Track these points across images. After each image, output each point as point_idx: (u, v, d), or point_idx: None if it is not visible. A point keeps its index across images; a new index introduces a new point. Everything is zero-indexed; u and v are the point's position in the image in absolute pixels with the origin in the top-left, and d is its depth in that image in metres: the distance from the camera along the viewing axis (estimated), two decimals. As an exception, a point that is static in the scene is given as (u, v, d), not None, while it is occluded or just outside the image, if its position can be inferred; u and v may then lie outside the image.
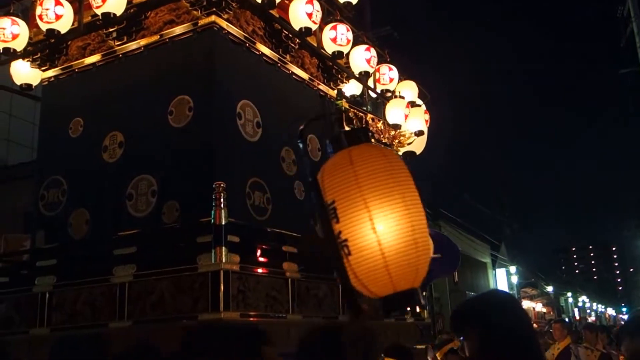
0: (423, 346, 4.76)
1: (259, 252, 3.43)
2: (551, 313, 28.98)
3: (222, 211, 3.08)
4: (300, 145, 1.47)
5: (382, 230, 1.36)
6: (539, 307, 26.99)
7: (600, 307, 47.78)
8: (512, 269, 23.66)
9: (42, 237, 4.02)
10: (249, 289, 3.14)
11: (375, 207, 1.37)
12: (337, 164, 1.45)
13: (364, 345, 1.64)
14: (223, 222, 3.07)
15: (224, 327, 2.90)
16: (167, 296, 3.13)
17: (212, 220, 3.07)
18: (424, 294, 5.58)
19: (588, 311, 41.68)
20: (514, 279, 23.94)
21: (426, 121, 5.56)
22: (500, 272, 24.24)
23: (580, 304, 40.64)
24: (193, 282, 3.07)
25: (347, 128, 5.09)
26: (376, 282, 1.38)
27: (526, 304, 26.00)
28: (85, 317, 3.35)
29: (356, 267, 1.38)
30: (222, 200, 3.09)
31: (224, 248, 3.03)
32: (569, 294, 38.39)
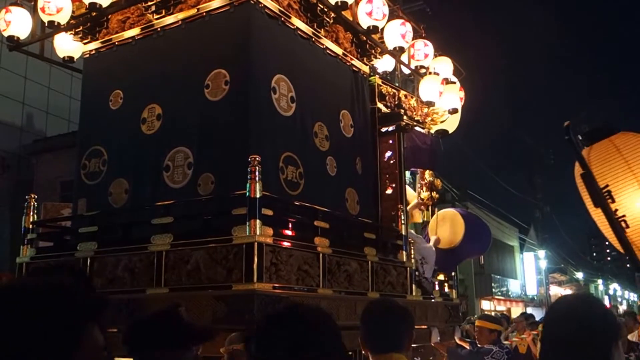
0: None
1: (291, 226, 3.48)
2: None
3: (257, 184, 3.13)
4: (572, 139, 1.76)
5: None
6: (567, 293, 26.56)
7: (633, 296, 46.54)
8: (541, 253, 23.15)
9: (83, 205, 4.18)
10: (281, 262, 3.20)
11: None
12: (602, 154, 1.75)
13: None
14: (258, 195, 3.13)
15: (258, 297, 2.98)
16: (202, 266, 3.22)
17: (247, 193, 3.13)
18: (452, 274, 5.49)
19: (619, 299, 40.70)
20: (543, 264, 23.49)
21: (461, 99, 5.43)
22: (528, 256, 23.81)
23: (611, 292, 39.68)
24: (227, 253, 3.14)
25: (379, 104, 5.03)
26: None
27: (554, 290, 25.55)
28: (125, 283, 3.50)
29: (634, 237, 1.67)
30: (257, 173, 3.14)
31: (258, 221, 3.10)
32: (600, 281, 37.46)
